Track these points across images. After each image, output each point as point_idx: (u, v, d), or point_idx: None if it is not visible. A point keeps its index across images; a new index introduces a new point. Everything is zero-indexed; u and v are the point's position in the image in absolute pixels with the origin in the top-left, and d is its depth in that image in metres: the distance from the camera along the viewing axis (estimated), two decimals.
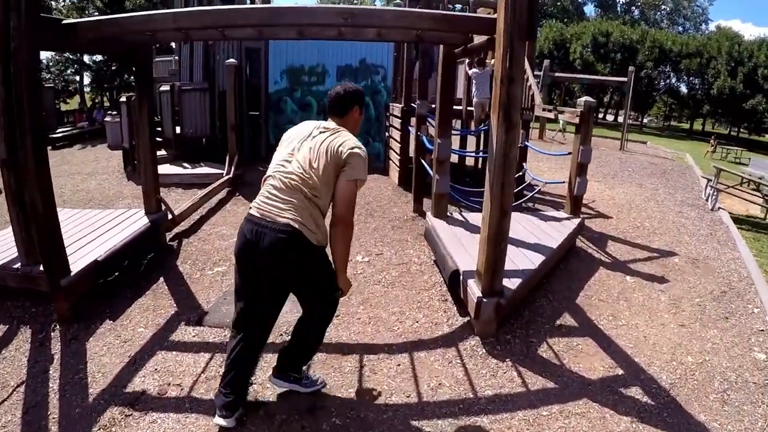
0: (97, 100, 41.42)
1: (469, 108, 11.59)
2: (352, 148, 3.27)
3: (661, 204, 11.18)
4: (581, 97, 7.93)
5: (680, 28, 70.02)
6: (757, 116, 51.36)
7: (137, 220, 7.31)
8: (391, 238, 8.14)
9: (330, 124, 3.48)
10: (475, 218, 7.33)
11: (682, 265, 7.62)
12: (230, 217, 9.22)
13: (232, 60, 12.10)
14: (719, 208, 11.21)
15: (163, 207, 7.81)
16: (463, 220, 7.56)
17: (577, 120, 7.55)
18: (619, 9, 71.44)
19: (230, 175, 11.06)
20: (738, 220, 11.31)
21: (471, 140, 12.73)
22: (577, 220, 7.73)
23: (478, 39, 5.24)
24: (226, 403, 3.53)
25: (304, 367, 4.14)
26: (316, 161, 3.26)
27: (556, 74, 28.06)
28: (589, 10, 73.09)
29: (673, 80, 57.30)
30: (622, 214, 9.98)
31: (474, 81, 11.03)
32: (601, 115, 60.97)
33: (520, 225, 7.34)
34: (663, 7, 71.63)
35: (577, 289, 6.47)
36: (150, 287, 6.26)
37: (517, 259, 5.94)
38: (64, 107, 35.56)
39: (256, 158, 13.97)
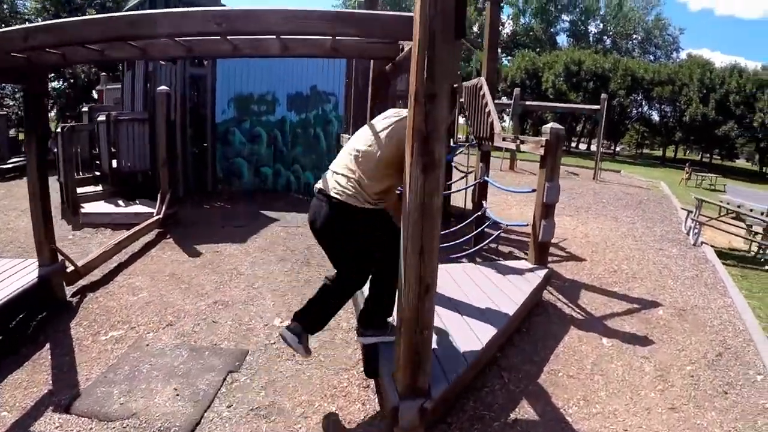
0: (58, 129, 39.78)
1: None
2: None
3: (640, 240, 10.02)
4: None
5: (651, 57, 70.78)
6: (729, 142, 51.68)
7: (26, 274, 6.03)
8: None
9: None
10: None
11: (667, 318, 6.40)
12: (152, 265, 7.86)
13: (163, 87, 10.84)
14: (702, 242, 10.08)
15: (60, 257, 6.51)
16: None
17: (541, 151, 6.28)
18: (591, 39, 71.97)
19: (160, 216, 9.73)
20: (722, 254, 10.20)
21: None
22: (543, 272, 6.42)
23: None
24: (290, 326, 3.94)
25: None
26: None
27: (527, 103, 27.23)
28: (562, 39, 73.74)
29: (645, 108, 57.65)
30: (596, 255, 8.77)
31: None
32: (573, 144, 60.70)
33: (473, 281, 6.02)
34: (635, 36, 72.55)
35: (542, 361, 5.18)
36: (32, 356, 5.07)
37: (461, 333, 4.58)
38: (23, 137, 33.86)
39: (203, 193, 12.67)
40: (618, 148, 66.91)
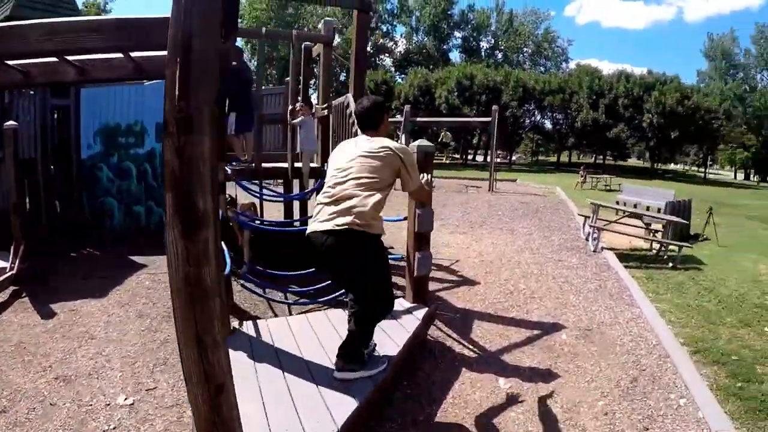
0: None
1: (297, 165, 9.40)
2: None
3: (537, 253, 9.45)
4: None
5: (542, 69, 74.26)
6: (620, 143, 54.52)
7: None
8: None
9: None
10: (296, 326, 5.14)
11: (572, 343, 5.68)
12: None
13: (10, 123, 9.26)
14: (602, 248, 9.62)
15: None
16: (265, 332, 5.07)
17: None
18: (483, 53, 74.30)
19: (13, 271, 8.12)
20: (624, 257, 9.83)
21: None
22: (422, 312, 5.49)
23: None
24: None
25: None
26: None
27: (418, 119, 26.98)
28: (455, 56, 75.91)
29: (538, 117, 60.23)
30: (491, 276, 8.03)
31: (300, 129, 8.95)
32: (470, 157, 61.77)
33: (337, 333, 4.90)
34: (525, 49, 75.70)
35: (426, 424, 4.23)
36: None
37: (311, 415, 3.48)
38: None
39: (69, 238, 11.02)
40: (514, 157, 68.85)
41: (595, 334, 5.87)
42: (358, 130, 4.21)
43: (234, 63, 8.27)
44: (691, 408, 4.46)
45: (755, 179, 70.51)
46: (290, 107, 9.31)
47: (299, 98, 9.41)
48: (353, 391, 3.78)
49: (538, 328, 6.08)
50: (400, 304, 5.67)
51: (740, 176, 75.52)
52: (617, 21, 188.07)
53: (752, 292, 8.14)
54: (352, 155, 3.84)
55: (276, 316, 6.16)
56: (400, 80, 62.89)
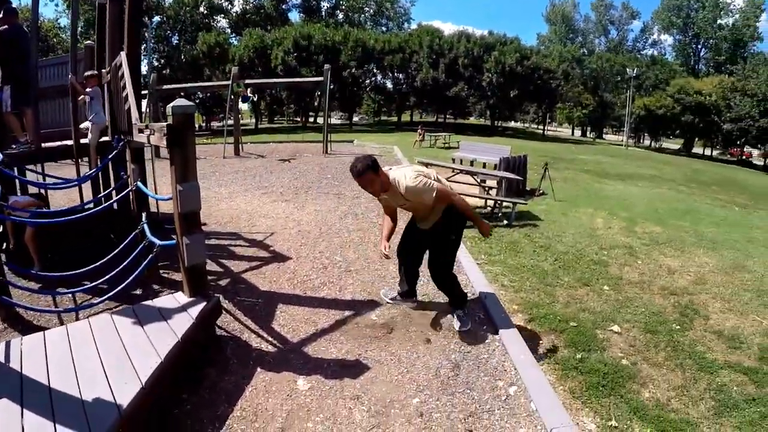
0: None
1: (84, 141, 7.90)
2: None
3: (362, 217, 8.78)
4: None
5: (384, 29, 74.20)
6: (460, 102, 55.96)
7: None
8: None
9: None
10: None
11: (388, 324, 4.98)
12: None
13: None
14: None
15: None
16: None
17: (164, 142, 4.31)
18: (323, 13, 72.66)
19: None
20: None
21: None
22: (198, 308, 4.42)
23: None
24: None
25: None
26: None
27: (246, 81, 25.33)
28: (294, 16, 73.60)
29: (379, 77, 60.08)
30: (305, 249, 7.17)
31: (88, 103, 7.53)
32: (312, 119, 60.80)
33: (95, 347, 3.75)
34: (366, 9, 75.08)
35: None
36: None
37: None
38: None
39: None
40: (356, 118, 68.83)
41: (416, 310, 5.21)
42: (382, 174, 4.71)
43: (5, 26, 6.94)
44: (523, 398, 3.91)
45: (591, 135, 75.88)
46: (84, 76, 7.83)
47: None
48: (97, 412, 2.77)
49: (350, 308, 5.30)
50: (176, 299, 4.58)
51: (578, 133, 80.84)
52: None
53: (590, 248, 7.96)
54: None
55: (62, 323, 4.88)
56: (236, 42, 60.08)
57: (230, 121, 21.73)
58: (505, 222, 9.26)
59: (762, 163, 57.70)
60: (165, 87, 23.91)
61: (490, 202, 10.46)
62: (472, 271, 6.32)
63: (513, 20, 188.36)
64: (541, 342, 4.83)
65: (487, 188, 10.64)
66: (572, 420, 3.67)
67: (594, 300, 5.92)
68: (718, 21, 76.70)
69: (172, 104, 4.19)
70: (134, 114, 5.68)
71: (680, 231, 9.72)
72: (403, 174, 4.65)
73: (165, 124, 4.20)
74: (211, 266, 6.48)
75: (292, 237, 7.74)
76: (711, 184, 22.58)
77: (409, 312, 5.19)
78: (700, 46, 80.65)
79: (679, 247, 8.50)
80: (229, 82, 20.13)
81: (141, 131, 5.29)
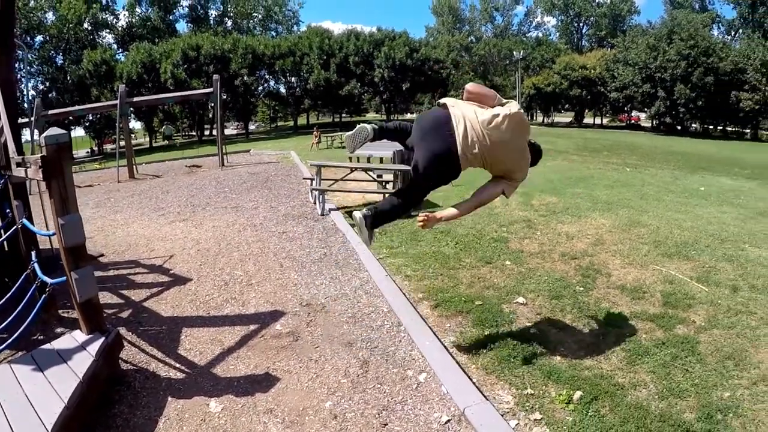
0: None
1: None
2: None
3: (261, 228, 8.64)
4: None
5: (273, 33, 73.68)
6: (354, 100, 56.23)
7: None
8: None
9: None
10: None
11: (294, 332, 4.91)
12: None
13: None
14: (330, 210, 9.09)
15: None
16: None
17: (40, 174, 4.06)
18: (212, 22, 71.14)
19: None
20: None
21: None
22: (96, 345, 4.17)
23: None
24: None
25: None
26: None
27: (135, 99, 24.41)
28: (182, 26, 71.69)
29: (272, 83, 59.60)
30: (205, 268, 6.99)
31: None
32: (207, 132, 59.44)
33: None
34: (255, 15, 74.04)
35: None
36: None
37: None
38: None
39: None
40: (252, 127, 67.83)
41: (319, 315, 5.18)
42: None
43: None
44: (433, 384, 3.95)
45: None
46: None
47: None
48: None
49: (255, 321, 5.21)
50: (74, 338, 4.35)
51: None
52: None
53: (489, 227, 8.18)
54: None
55: None
56: (122, 58, 57.70)
57: (122, 143, 20.93)
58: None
59: (650, 125, 61.15)
60: (51, 112, 22.70)
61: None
62: (373, 266, 6.34)
63: (401, 15, 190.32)
64: (448, 325, 4.91)
65: (384, 183, 10.73)
66: (489, 394, 3.77)
67: (497, 276, 6.08)
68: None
69: (43, 135, 3.97)
70: (11, 147, 5.34)
71: (576, 198, 10.15)
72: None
73: (39, 156, 3.99)
74: (111, 298, 6.21)
75: (192, 257, 7.53)
76: (602, 150, 23.71)
77: (314, 317, 5.17)
78: (581, 24, 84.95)
79: (575, 213, 8.88)
80: (117, 102, 19.36)
81: (19, 165, 5.00)
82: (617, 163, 18.24)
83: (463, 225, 8.31)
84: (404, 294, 5.55)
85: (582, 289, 5.64)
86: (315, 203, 9.75)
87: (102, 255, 8.21)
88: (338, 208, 9.89)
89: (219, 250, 7.66)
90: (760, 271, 6.08)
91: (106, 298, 6.07)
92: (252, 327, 5.09)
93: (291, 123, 67.04)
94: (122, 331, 5.23)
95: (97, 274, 7.22)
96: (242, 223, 9.12)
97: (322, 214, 9.03)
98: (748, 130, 55.04)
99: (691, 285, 5.70)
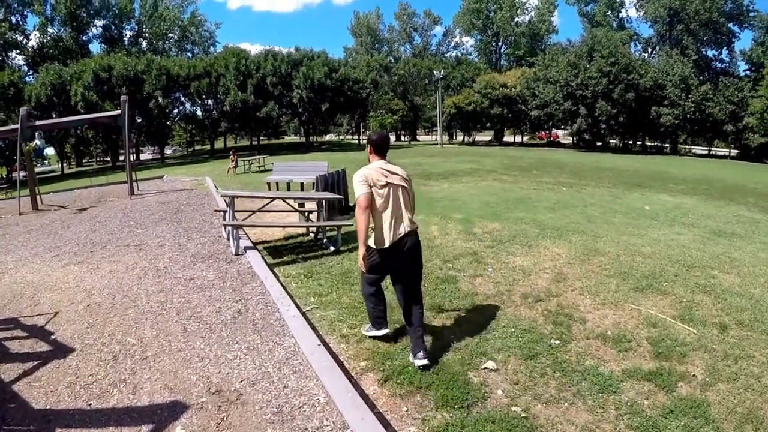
0: None
1: None
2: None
3: (164, 273, 7.18)
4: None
5: (190, 54, 71.47)
6: (272, 122, 54.38)
7: None
8: None
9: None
10: None
11: (203, 427, 3.58)
12: None
13: None
14: (245, 248, 7.76)
15: None
16: None
17: None
18: (126, 42, 67.78)
19: None
20: (276, 251, 8.14)
21: None
22: None
23: None
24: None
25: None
26: None
27: (38, 123, 21.94)
28: (95, 47, 67.72)
29: (188, 105, 57.24)
30: (93, 332, 5.44)
31: None
32: (122, 158, 56.32)
33: None
34: (171, 35, 71.45)
35: None
36: None
37: None
38: None
39: None
40: (169, 151, 64.93)
41: (234, 410, 3.80)
42: (373, 155, 4.72)
43: None
44: None
45: (405, 139, 77.46)
46: None
47: None
48: None
49: (148, 419, 3.77)
50: None
51: (392, 138, 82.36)
52: (269, 5, 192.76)
53: (432, 263, 7.13)
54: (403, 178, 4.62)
55: None
56: (32, 80, 53.67)
57: (24, 173, 18.72)
58: (332, 248, 8.11)
59: (570, 141, 62.05)
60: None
61: (313, 229, 9.27)
62: (301, 328, 5.00)
63: (319, 37, 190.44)
64: (405, 410, 3.74)
65: (307, 213, 9.42)
66: None
67: (454, 331, 5.00)
68: (516, 19, 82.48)
69: None
70: None
71: (520, 223, 9.27)
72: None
73: None
74: None
75: (79, 316, 5.97)
76: (531, 169, 23.20)
77: (226, 413, 3.78)
78: (500, 44, 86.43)
79: (524, 242, 7.98)
80: (18, 126, 17.15)
81: None
82: (550, 182, 17.65)
83: None
84: (343, 367, 4.31)
85: (558, 342, 4.66)
86: (228, 239, 8.39)
87: None
88: (255, 245, 8.52)
89: (112, 305, 6.13)
90: (740, 303, 5.41)
91: None
92: (144, 429, 3.70)
93: (208, 147, 64.49)
94: None
95: None
96: (143, 267, 7.59)
97: (237, 254, 7.68)
98: (668, 145, 56.30)
99: (676, 327, 4.90)
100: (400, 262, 4.48)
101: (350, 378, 4.13)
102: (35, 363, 4.92)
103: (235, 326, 5.19)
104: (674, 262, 6.83)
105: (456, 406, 3.72)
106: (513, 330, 4.93)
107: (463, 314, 5.40)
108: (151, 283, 6.85)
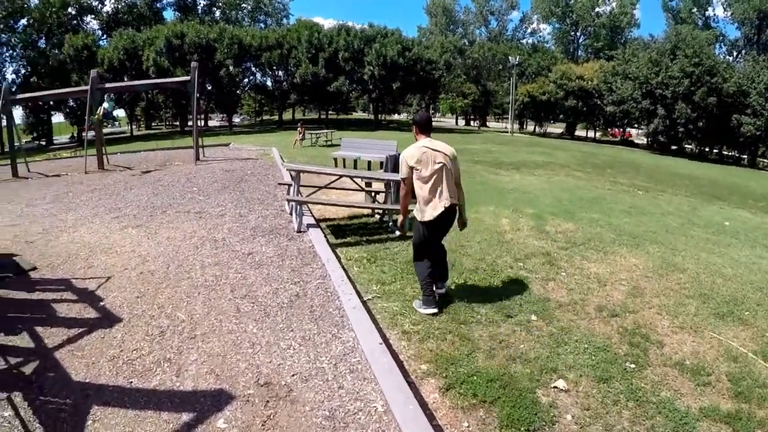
0: None
1: None
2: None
3: (222, 245, 6.95)
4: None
5: (262, 25, 71.82)
6: (342, 97, 54.10)
7: None
8: None
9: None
10: None
11: (246, 428, 3.24)
12: None
13: None
14: (308, 225, 7.42)
15: None
16: None
17: None
18: (200, 11, 68.86)
19: None
20: (339, 230, 7.77)
21: None
22: None
23: None
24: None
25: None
26: None
27: (107, 85, 22.49)
28: (169, 15, 69.00)
29: (259, 75, 57.41)
30: (143, 302, 5.23)
31: None
32: (190, 123, 57.48)
33: None
34: (244, 5, 72.14)
35: None
36: None
37: None
38: None
39: None
40: (238, 119, 65.75)
41: (282, 407, 3.44)
42: (419, 134, 5.17)
43: None
44: None
45: (476, 124, 76.16)
46: None
47: None
48: None
49: (189, 406, 3.47)
50: None
51: (461, 122, 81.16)
52: None
53: (502, 260, 6.60)
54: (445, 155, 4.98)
55: None
56: (105, 44, 55.23)
57: (92, 133, 19.10)
58: (398, 233, 7.63)
59: (644, 142, 59.41)
60: (18, 97, 21.00)
61: (379, 210, 8.84)
62: (361, 321, 4.60)
63: (393, 14, 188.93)
64: (466, 425, 3.30)
65: (373, 193, 9.02)
66: None
67: (523, 339, 4.50)
68: (596, 9, 79.61)
69: None
70: None
71: (594, 226, 8.61)
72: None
73: None
74: (22, 339, 4.55)
75: (131, 283, 5.78)
76: (605, 167, 22.19)
77: (274, 410, 3.42)
78: (579, 34, 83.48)
79: (599, 247, 7.33)
80: (88, 87, 17.46)
81: None
82: (626, 184, 16.68)
83: (471, 255, 6.71)
84: (402, 368, 3.89)
85: (634, 366, 4.10)
86: (291, 214, 8.08)
87: (34, 268, 6.54)
88: (318, 222, 8.18)
89: (166, 275, 5.92)
90: None
91: (16, 340, 4.55)
92: (184, 417, 3.39)
93: (276, 117, 64.97)
94: (17, 399, 3.60)
95: (21, 296, 5.64)
96: (201, 236, 7.38)
97: (299, 231, 7.36)
98: (746, 156, 52.75)
99: (757, 364, 4.25)
100: (439, 228, 5.05)
101: (410, 383, 3.71)
102: (80, 330, 4.73)
103: (291, 311, 4.85)
104: (756, 289, 6.07)
105: (522, 429, 3.26)
106: (586, 346, 4.40)
107: (534, 320, 4.89)
108: (207, 254, 6.62)
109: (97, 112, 16.52)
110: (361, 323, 4.52)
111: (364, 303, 5.04)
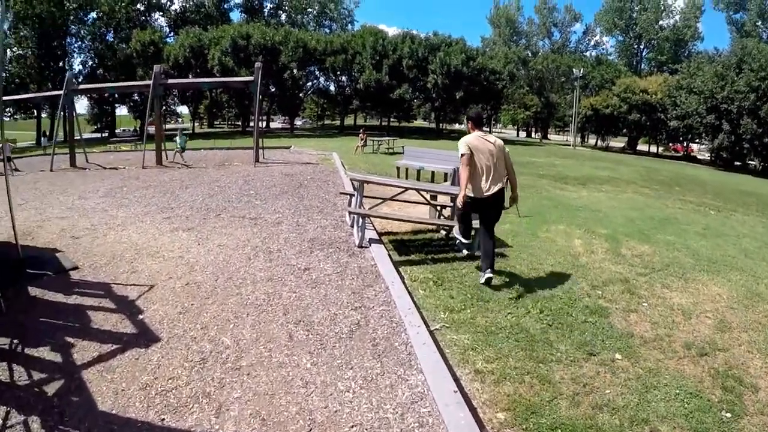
0: None
1: None
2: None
3: (277, 256, 6.46)
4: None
5: (327, 30, 72.78)
6: (404, 105, 53.88)
7: None
8: None
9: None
10: None
11: None
12: None
13: None
14: (370, 240, 6.85)
15: None
16: None
17: None
18: (266, 13, 70.40)
19: None
20: (403, 246, 7.18)
21: None
22: None
23: None
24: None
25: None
26: None
27: (170, 81, 22.75)
28: (236, 16, 70.91)
29: (322, 80, 58.02)
30: (185, 319, 4.74)
31: None
32: (252, 124, 58.25)
33: None
34: (309, 10, 73.31)
35: None
36: None
37: None
38: None
39: None
40: (299, 122, 66.29)
41: None
42: (473, 128, 6.05)
43: None
44: None
45: (537, 137, 75.01)
46: None
47: None
48: None
49: None
50: None
51: (522, 134, 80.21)
52: None
53: (578, 287, 5.91)
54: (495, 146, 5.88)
55: None
56: (171, 41, 56.81)
57: (152, 128, 19.23)
58: (465, 252, 6.89)
59: (706, 157, 57.32)
60: (81, 87, 21.43)
61: (445, 227, 8.17)
62: (430, 360, 3.95)
63: (456, 25, 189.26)
64: None
65: (439, 207, 8.36)
66: None
67: (609, 382, 3.86)
68: (660, 22, 77.72)
69: None
70: None
71: (671, 249, 7.83)
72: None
73: None
74: (47, 352, 4.14)
75: (175, 295, 5.31)
76: (672, 185, 20.99)
77: None
78: (642, 47, 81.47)
79: (680, 274, 6.59)
80: (150, 82, 17.53)
81: None
82: (695, 203, 15.58)
83: (545, 281, 6.07)
84: (476, 416, 3.27)
85: (729, 415, 3.51)
86: (353, 227, 7.53)
87: (76, 268, 6.23)
88: (380, 236, 7.60)
89: (213, 289, 5.43)
90: None
91: (44, 351, 4.18)
92: None
93: (338, 122, 65.26)
94: (34, 425, 3.16)
95: (58, 298, 5.26)
96: (255, 246, 6.90)
97: (360, 246, 6.80)
98: None
99: None
100: (486, 209, 5.85)
101: None
102: (114, 347, 4.28)
103: (351, 343, 4.24)
104: None
105: None
106: (677, 392, 3.76)
107: (618, 360, 4.20)
108: (260, 267, 6.12)
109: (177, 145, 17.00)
110: (433, 365, 3.85)
111: (431, 334, 4.42)
